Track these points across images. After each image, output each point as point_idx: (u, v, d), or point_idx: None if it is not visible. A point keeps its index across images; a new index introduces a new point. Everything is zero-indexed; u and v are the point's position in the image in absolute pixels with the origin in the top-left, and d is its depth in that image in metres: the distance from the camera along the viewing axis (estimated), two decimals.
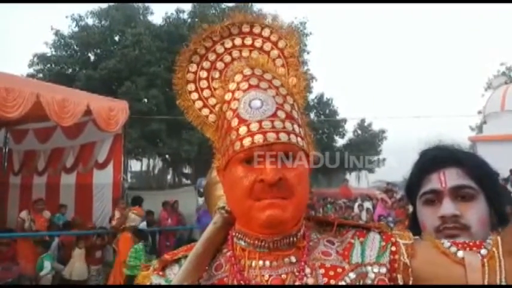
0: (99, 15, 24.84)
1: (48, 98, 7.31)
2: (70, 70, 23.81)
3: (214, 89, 1.03)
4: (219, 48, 1.04)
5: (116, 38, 24.52)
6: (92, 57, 24.57)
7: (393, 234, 0.94)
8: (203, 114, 1.03)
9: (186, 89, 1.05)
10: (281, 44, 1.03)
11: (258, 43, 1.03)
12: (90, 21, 24.87)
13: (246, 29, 1.04)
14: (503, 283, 0.83)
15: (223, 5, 25.11)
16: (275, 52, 1.03)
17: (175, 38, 22.99)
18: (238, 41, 1.04)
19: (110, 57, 22.56)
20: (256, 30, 1.04)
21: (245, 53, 1.03)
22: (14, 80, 7.36)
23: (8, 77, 7.28)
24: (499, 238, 0.88)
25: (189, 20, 24.91)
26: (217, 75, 1.04)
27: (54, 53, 24.07)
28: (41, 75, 22.44)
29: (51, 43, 23.97)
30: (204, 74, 1.05)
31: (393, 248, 0.91)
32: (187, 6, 25.39)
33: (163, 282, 0.95)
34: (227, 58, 1.04)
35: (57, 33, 23.86)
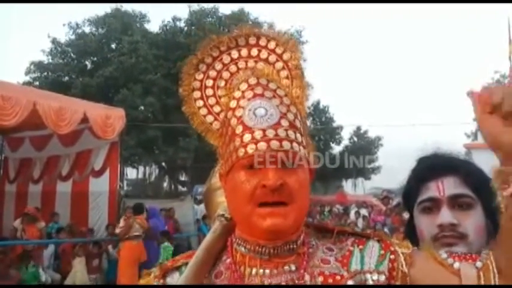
0: (96, 23, 24.93)
1: (45, 106, 7.30)
2: (67, 78, 23.82)
3: (220, 97, 1.05)
4: (226, 58, 1.06)
5: (113, 46, 24.59)
6: (89, 65, 24.62)
7: (392, 243, 0.95)
8: (207, 121, 1.05)
9: (192, 96, 1.07)
10: (286, 57, 1.05)
11: (264, 55, 1.06)
12: (87, 29, 25.00)
13: (252, 40, 1.06)
14: None
15: (220, 13, 25.26)
16: (280, 64, 1.05)
17: (172, 46, 23.06)
18: (244, 52, 1.06)
19: (106, 65, 22.61)
20: (263, 42, 1.06)
21: (251, 64, 1.05)
22: (10, 88, 7.35)
23: (4, 85, 7.28)
24: (491, 253, 0.89)
25: (185, 28, 25.02)
26: (222, 84, 1.06)
27: (50, 60, 24.11)
28: (37, 82, 22.43)
29: (48, 51, 24.04)
30: (209, 82, 1.07)
31: (392, 257, 0.91)
32: (184, 14, 25.55)
33: None
34: (233, 68, 1.06)
35: (54, 41, 23.92)
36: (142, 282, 0.99)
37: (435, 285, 0.89)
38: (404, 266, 0.90)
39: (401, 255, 0.91)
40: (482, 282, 0.85)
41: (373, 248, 0.94)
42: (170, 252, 7.71)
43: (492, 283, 0.84)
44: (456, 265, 0.90)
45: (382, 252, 0.93)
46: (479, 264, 0.89)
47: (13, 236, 7.98)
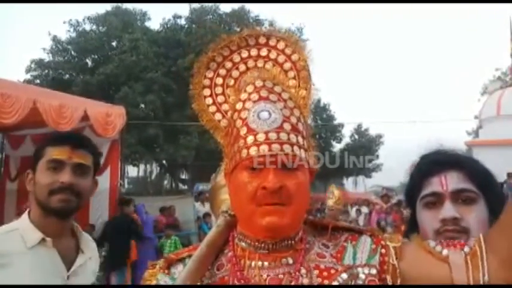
0: (96, 20, 24.93)
1: (46, 104, 7.30)
2: (67, 76, 23.84)
3: (228, 96, 1.09)
4: (236, 57, 1.10)
5: (113, 44, 24.59)
6: (89, 63, 24.63)
7: (383, 238, 0.99)
8: (216, 118, 1.09)
9: (202, 93, 1.10)
10: (294, 57, 1.09)
11: (273, 55, 1.09)
12: (87, 26, 25.00)
13: (262, 40, 1.10)
14: (486, 279, 0.87)
15: (221, 11, 25.23)
16: (288, 64, 1.08)
17: (173, 44, 23.07)
18: (254, 52, 1.10)
19: (107, 62, 22.61)
20: (272, 42, 1.10)
21: (260, 64, 1.09)
22: (11, 86, 7.33)
23: (4, 82, 7.27)
24: (481, 236, 0.92)
25: (186, 26, 25.01)
26: (232, 82, 1.10)
27: (51, 58, 24.12)
28: (38, 80, 22.44)
29: (48, 49, 24.04)
30: (219, 80, 1.11)
31: (383, 251, 0.96)
32: (185, 12, 25.54)
33: (168, 280, 1.01)
34: (242, 67, 1.10)
35: (54, 38, 23.92)
36: (147, 273, 1.04)
37: (433, 285, 0.91)
38: (394, 259, 0.95)
39: (391, 249, 0.96)
40: (470, 267, 0.89)
41: (365, 242, 0.99)
42: (179, 244, 8.04)
43: (479, 267, 0.88)
44: (444, 252, 0.93)
45: (374, 246, 0.98)
46: (466, 249, 0.92)
47: None
